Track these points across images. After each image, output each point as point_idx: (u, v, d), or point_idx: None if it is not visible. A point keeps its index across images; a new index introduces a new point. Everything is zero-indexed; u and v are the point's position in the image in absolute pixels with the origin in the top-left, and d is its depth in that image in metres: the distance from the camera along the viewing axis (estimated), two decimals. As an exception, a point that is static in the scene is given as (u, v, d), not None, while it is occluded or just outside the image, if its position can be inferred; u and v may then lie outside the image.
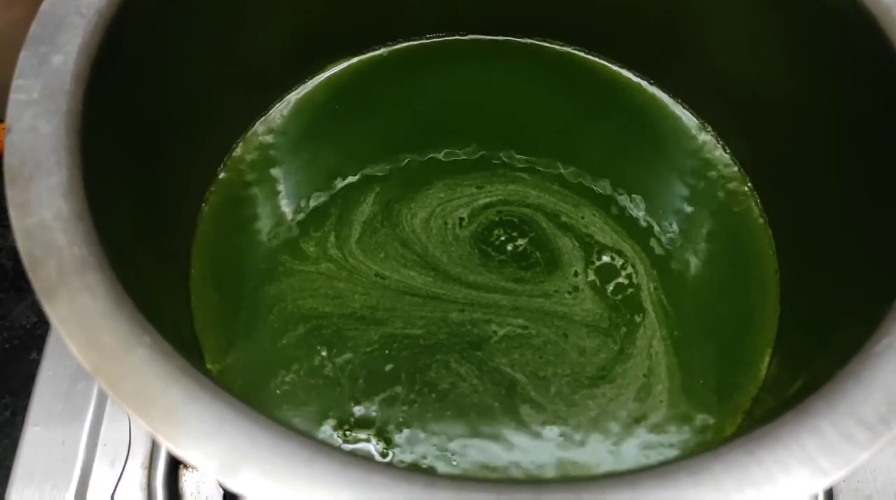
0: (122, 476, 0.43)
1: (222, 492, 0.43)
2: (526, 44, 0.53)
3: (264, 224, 0.45)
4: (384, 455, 0.39)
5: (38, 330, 0.55)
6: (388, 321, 0.42)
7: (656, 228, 0.46)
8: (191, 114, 0.43)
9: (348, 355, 0.42)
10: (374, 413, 0.40)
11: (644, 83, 0.52)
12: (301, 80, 0.51)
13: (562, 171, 0.48)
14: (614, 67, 0.52)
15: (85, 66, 0.32)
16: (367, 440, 0.40)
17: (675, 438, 0.40)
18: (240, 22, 0.44)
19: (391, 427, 0.40)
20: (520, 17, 0.52)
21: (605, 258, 0.45)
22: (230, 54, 0.45)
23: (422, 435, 0.40)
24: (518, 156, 0.48)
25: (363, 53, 0.52)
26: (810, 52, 0.41)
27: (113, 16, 0.33)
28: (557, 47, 0.53)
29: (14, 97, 0.30)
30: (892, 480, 0.43)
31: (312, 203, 0.46)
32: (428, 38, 0.53)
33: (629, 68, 0.52)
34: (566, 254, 0.45)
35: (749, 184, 0.48)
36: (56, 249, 0.27)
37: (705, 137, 0.50)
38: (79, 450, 0.43)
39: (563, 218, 0.46)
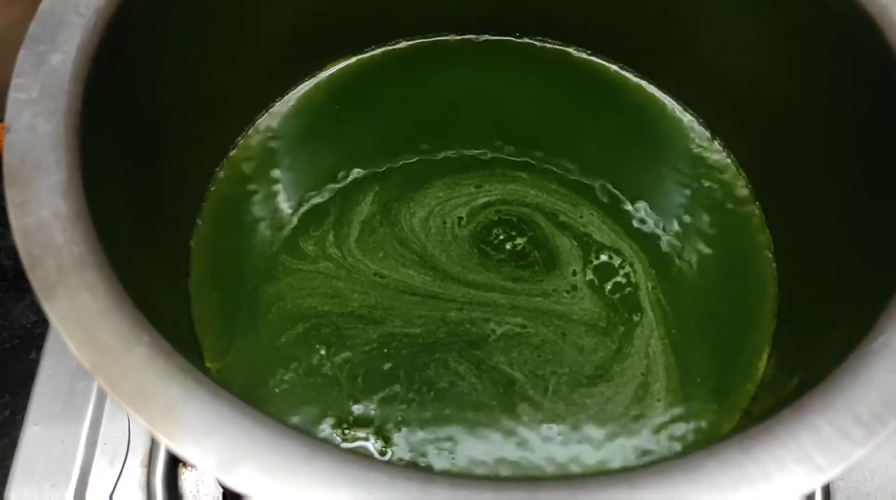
0: (122, 475, 0.43)
1: (222, 491, 0.43)
2: (525, 43, 0.53)
3: (263, 223, 0.46)
4: (383, 454, 0.39)
5: (37, 329, 0.55)
6: (387, 320, 0.42)
7: (655, 227, 0.46)
8: (190, 113, 0.43)
9: (347, 354, 0.42)
10: (372, 412, 0.40)
11: (643, 83, 0.52)
12: (300, 80, 0.51)
13: (561, 170, 0.48)
14: (614, 67, 0.52)
15: (84, 66, 0.32)
16: (366, 439, 0.40)
17: (673, 436, 0.40)
18: (239, 22, 0.44)
19: (390, 426, 0.40)
20: (519, 16, 0.52)
21: (604, 257, 0.45)
22: (230, 54, 0.45)
23: (420, 434, 0.40)
24: (517, 155, 0.48)
25: (363, 53, 0.52)
26: (810, 52, 0.41)
27: (112, 15, 0.33)
28: (557, 47, 0.53)
29: (13, 96, 0.30)
30: (890, 478, 0.43)
31: (311, 202, 0.46)
32: (428, 38, 0.53)
33: (629, 68, 0.52)
34: (564, 253, 0.45)
35: (748, 183, 0.48)
36: (55, 248, 0.27)
37: (704, 137, 0.50)
38: (78, 449, 0.43)
39: (562, 217, 0.46)
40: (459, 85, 0.52)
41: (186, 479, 0.43)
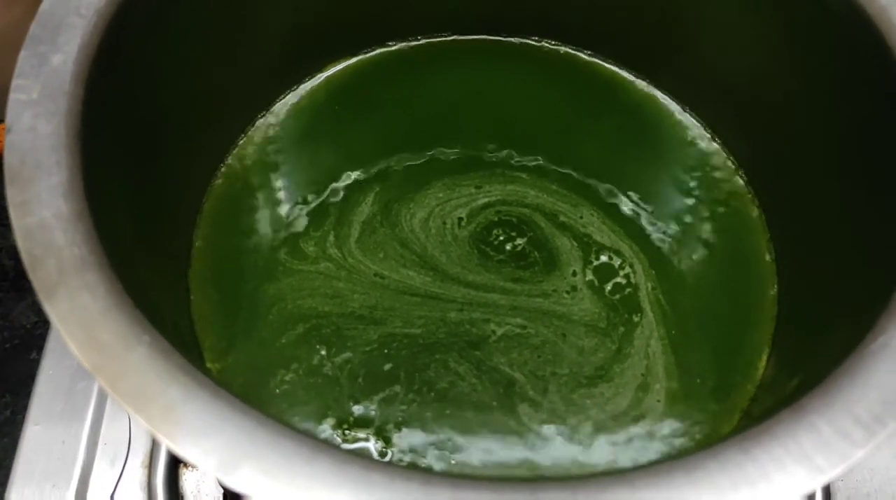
0: (123, 475, 0.43)
1: (222, 491, 0.43)
2: (525, 44, 0.53)
3: (264, 224, 0.46)
4: (383, 454, 0.39)
5: (38, 330, 0.55)
6: (388, 321, 0.43)
7: (655, 227, 0.46)
8: (190, 114, 0.43)
9: (347, 355, 0.42)
10: (373, 412, 0.40)
11: (643, 83, 0.52)
12: (300, 80, 0.51)
13: (560, 171, 0.48)
14: (613, 67, 0.52)
15: (84, 67, 0.32)
16: (366, 439, 0.40)
17: (673, 437, 0.40)
18: (239, 22, 0.44)
19: (390, 426, 0.40)
20: (519, 16, 0.52)
21: (604, 258, 0.45)
22: (230, 54, 0.45)
23: (420, 434, 0.40)
24: (517, 156, 0.48)
25: (363, 53, 0.52)
26: (810, 52, 0.41)
27: (112, 16, 0.33)
28: (557, 47, 0.53)
29: (14, 97, 0.30)
30: (890, 479, 0.43)
31: (312, 203, 0.46)
32: (427, 39, 0.53)
33: (628, 68, 0.52)
34: (564, 254, 0.45)
35: (748, 184, 0.48)
36: (56, 248, 0.27)
37: (704, 137, 0.50)
38: (79, 449, 0.43)
39: (562, 218, 0.46)
40: (459, 85, 0.52)
41: (187, 479, 0.44)
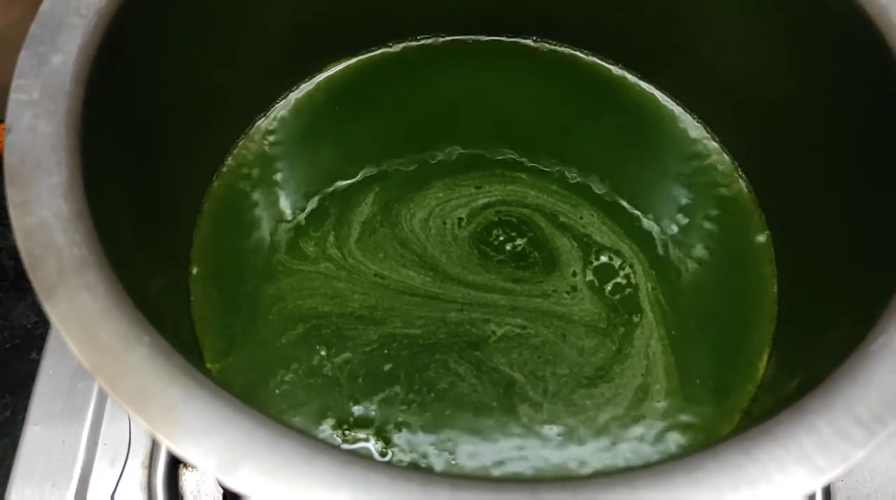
0: (123, 476, 0.43)
1: (222, 491, 0.43)
2: (525, 44, 0.53)
3: (264, 224, 0.46)
4: (383, 455, 0.39)
5: (38, 330, 0.55)
6: (387, 321, 0.43)
7: (655, 228, 0.46)
8: (190, 114, 0.43)
9: (347, 355, 0.42)
10: (373, 413, 0.40)
11: (643, 83, 0.52)
12: (300, 80, 0.51)
13: (560, 171, 0.48)
14: (613, 67, 0.52)
15: (85, 67, 0.32)
16: (366, 440, 0.40)
17: (673, 437, 0.40)
18: (239, 22, 0.44)
19: (390, 427, 0.40)
20: (519, 17, 0.52)
21: (604, 258, 0.45)
22: (230, 54, 0.45)
23: (421, 435, 0.40)
24: (517, 156, 0.48)
25: (363, 53, 0.52)
26: (810, 52, 0.41)
27: (112, 16, 0.33)
28: (556, 47, 0.53)
29: (14, 97, 0.30)
30: (890, 479, 0.43)
31: (312, 203, 0.46)
32: (427, 39, 0.53)
33: (628, 68, 0.52)
34: (564, 254, 0.45)
35: (747, 184, 0.48)
36: (56, 248, 0.27)
37: (704, 137, 0.50)
38: (79, 449, 0.43)
39: (562, 218, 0.46)
40: (459, 85, 0.52)
41: (187, 480, 0.44)
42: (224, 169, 0.48)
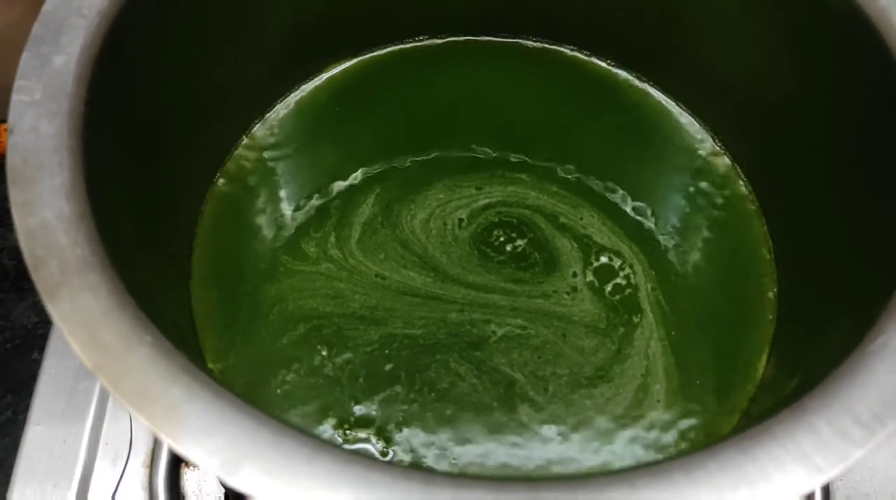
0: (124, 475, 0.43)
1: (223, 491, 0.43)
2: (525, 44, 0.53)
3: (265, 225, 0.46)
4: (384, 454, 0.39)
5: (39, 330, 0.55)
6: (388, 321, 0.43)
7: (654, 228, 0.46)
8: (191, 114, 0.43)
9: (348, 355, 0.42)
10: (374, 412, 0.40)
11: (643, 84, 0.52)
12: (301, 81, 0.51)
13: (561, 172, 0.48)
14: (614, 68, 0.52)
15: (87, 68, 0.32)
16: (367, 440, 0.40)
17: (673, 437, 0.40)
18: (240, 22, 0.44)
19: (391, 426, 0.40)
20: (519, 17, 0.52)
21: (604, 259, 0.45)
22: (231, 55, 0.45)
23: (421, 434, 0.40)
24: (517, 157, 0.48)
25: (363, 54, 0.52)
26: (810, 52, 0.41)
27: (114, 17, 0.33)
28: (556, 48, 0.53)
29: (16, 98, 0.30)
30: (890, 479, 0.43)
31: (313, 204, 0.46)
32: (427, 40, 0.53)
33: (628, 69, 0.52)
34: (565, 255, 0.45)
35: (747, 184, 0.48)
36: (58, 249, 0.28)
37: (704, 138, 0.50)
38: (80, 449, 0.43)
39: (562, 219, 0.46)
40: (459, 86, 0.52)
41: (189, 479, 0.44)
42: (225, 169, 0.48)
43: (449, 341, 0.42)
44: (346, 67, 0.52)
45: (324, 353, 0.42)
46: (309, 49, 0.50)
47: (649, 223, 0.46)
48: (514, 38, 0.53)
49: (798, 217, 0.45)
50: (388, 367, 0.41)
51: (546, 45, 0.53)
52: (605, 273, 0.44)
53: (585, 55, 0.53)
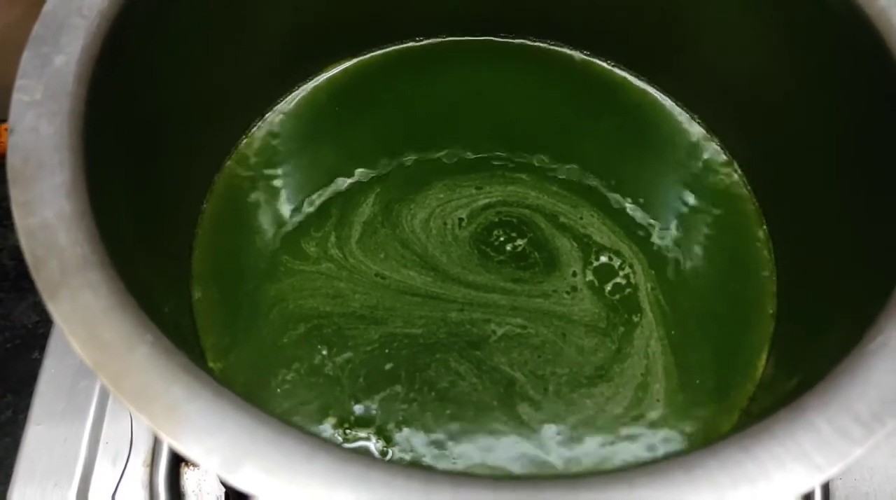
0: (124, 474, 0.43)
1: (224, 490, 0.43)
2: (525, 45, 0.53)
3: (265, 224, 0.46)
4: (384, 454, 0.40)
5: (39, 329, 0.55)
6: (388, 321, 0.43)
7: (654, 228, 0.46)
8: (191, 114, 0.43)
9: (348, 354, 0.42)
10: (374, 412, 0.41)
11: (643, 84, 0.52)
12: (301, 81, 0.51)
13: (561, 171, 0.48)
14: (614, 68, 0.52)
15: (87, 67, 0.32)
16: (367, 439, 0.40)
17: (672, 436, 0.40)
18: (240, 22, 0.44)
19: (391, 426, 0.40)
20: (519, 17, 0.52)
21: (604, 259, 0.45)
22: (231, 55, 0.45)
23: (421, 433, 0.40)
24: (517, 156, 0.48)
25: (363, 54, 0.52)
26: (810, 52, 0.41)
27: (114, 17, 0.33)
28: (556, 48, 0.53)
29: (17, 97, 0.30)
30: (889, 478, 0.43)
31: (313, 203, 0.46)
32: (427, 40, 0.53)
33: (628, 69, 0.52)
34: (565, 254, 0.45)
35: (747, 183, 0.48)
36: (58, 248, 0.28)
37: (704, 137, 0.50)
38: (81, 448, 0.43)
39: (562, 219, 0.46)
40: (459, 86, 0.52)
41: (189, 478, 0.44)
42: (225, 169, 0.48)
43: (449, 340, 0.42)
44: (346, 67, 0.52)
45: (324, 352, 0.42)
46: (309, 49, 0.50)
47: (649, 223, 0.46)
48: (514, 38, 0.53)
49: (798, 217, 0.45)
50: (388, 366, 0.42)
51: (546, 45, 0.53)
52: (605, 273, 0.44)
53: (585, 55, 0.53)
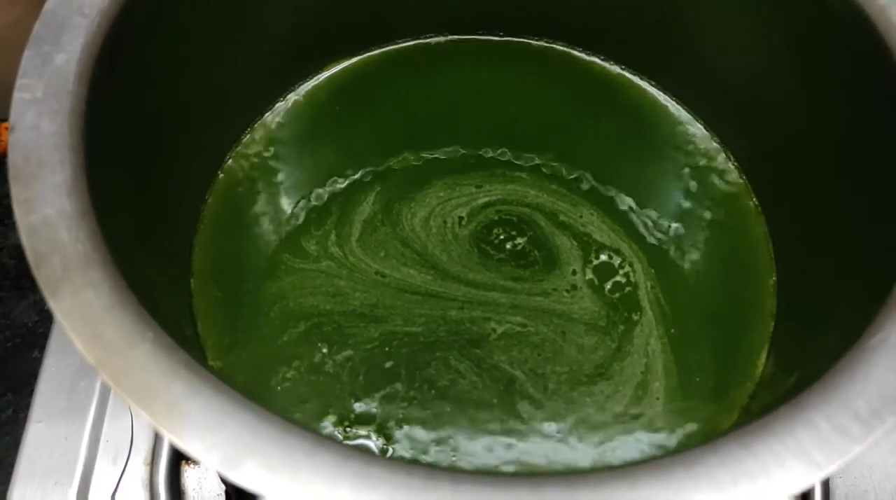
0: (125, 473, 0.43)
1: (224, 488, 0.43)
2: (525, 44, 0.53)
3: (265, 223, 0.46)
4: (384, 451, 0.40)
5: (39, 329, 0.55)
6: (388, 319, 0.43)
7: (654, 226, 0.46)
8: (192, 112, 0.43)
9: (349, 352, 0.42)
10: (374, 410, 0.41)
11: (643, 83, 0.52)
12: (301, 80, 0.51)
13: (560, 170, 0.48)
14: (614, 67, 0.52)
15: (88, 66, 0.32)
16: (367, 437, 0.40)
17: (672, 435, 0.40)
18: (239, 22, 0.44)
19: (391, 424, 0.40)
20: (519, 16, 0.52)
21: (603, 257, 0.45)
22: (231, 55, 0.45)
23: (421, 431, 0.40)
24: (517, 155, 0.48)
25: (363, 53, 0.52)
26: (810, 52, 0.41)
27: (115, 16, 0.33)
28: (557, 47, 0.53)
29: (18, 96, 0.30)
30: (889, 475, 0.43)
31: (313, 202, 0.46)
32: (427, 38, 0.53)
33: (628, 68, 0.52)
34: (564, 253, 0.45)
35: (747, 183, 0.48)
36: (60, 245, 0.28)
37: (704, 137, 0.50)
38: (81, 447, 0.43)
39: (562, 217, 0.46)
40: (459, 85, 0.52)
41: (189, 477, 0.44)
42: (225, 168, 0.48)
43: (449, 338, 0.42)
44: (346, 66, 0.52)
45: (324, 350, 0.42)
46: (309, 49, 0.51)
47: (649, 221, 0.46)
48: (514, 38, 0.53)
49: (798, 217, 0.45)
50: (388, 364, 0.42)
51: (546, 45, 0.53)
52: (605, 271, 0.45)
53: (586, 55, 0.53)
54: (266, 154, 0.48)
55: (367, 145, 0.49)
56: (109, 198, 0.32)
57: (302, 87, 0.51)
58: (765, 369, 0.42)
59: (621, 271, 0.45)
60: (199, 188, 0.47)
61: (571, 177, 0.48)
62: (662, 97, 0.51)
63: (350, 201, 0.46)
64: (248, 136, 0.49)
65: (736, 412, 0.41)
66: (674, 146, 0.50)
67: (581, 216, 0.46)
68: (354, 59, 0.52)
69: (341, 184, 0.47)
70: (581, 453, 0.40)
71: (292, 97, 0.51)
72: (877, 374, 0.27)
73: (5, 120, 0.30)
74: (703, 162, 0.49)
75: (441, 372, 0.41)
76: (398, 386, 0.41)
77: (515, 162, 0.48)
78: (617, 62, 0.52)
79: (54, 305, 0.27)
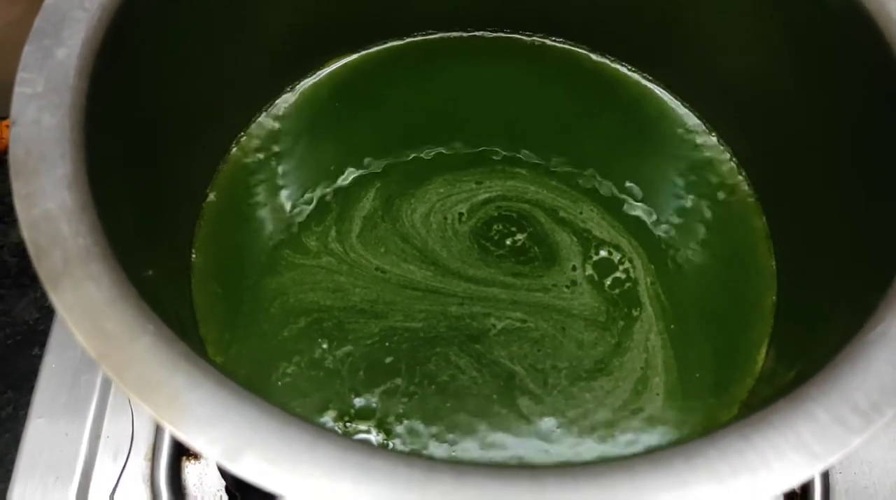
0: (125, 469, 0.43)
1: (224, 484, 0.43)
2: (526, 41, 0.53)
3: (266, 219, 0.46)
4: (384, 446, 0.40)
5: (40, 326, 0.55)
6: (389, 314, 0.43)
7: (654, 223, 0.46)
8: (192, 109, 0.43)
9: (349, 348, 0.42)
10: (374, 405, 0.41)
11: (644, 81, 0.52)
12: (302, 77, 0.51)
13: (560, 167, 0.48)
14: (614, 65, 0.53)
15: (88, 61, 0.32)
16: (368, 431, 0.40)
17: (672, 431, 0.40)
18: (240, 19, 0.44)
19: (391, 419, 0.40)
20: (520, 14, 0.52)
21: (603, 253, 0.45)
22: (232, 50, 0.45)
23: (421, 426, 0.40)
24: (517, 152, 0.48)
25: (364, 50, 0.52)
26: (810, 52, 0.41)
27: (116, 11, 0.33)
28: (557, 44, 0.53)
29: (19, 90, 0.30)
30: (889, 471, 0.43)
31: (313, 198, 0.46)
32: (427, 35, 0.53)
33: (629, 65, 0.52)
34: (564, 249, 0.45)
35: (747, 181, 0.48)
36: (61, 239, 0.28)
37: (704, 135, 0.50)
38: (82, 443, 0.43)
39: (562, 213, 0.46)
40: (460, 82, 0.52)
41: (190, 472, 0.44)
42: (225, 164, 0.48)
43: (449, 334, 0.42)
44: (347, 63, 0.52)
45: (324, 346, 0.42)
46: (309, 48, 0.51)
47: (649, 218, 0.46)
48: (514, 35, 0.53)
49: (798, 216, 0.45)
50: (388, 360, 0.42)
51: (547, 42, 0.53)
52: (605, 267, 0.45)
53: (587, 52, 0.53)
54: (267, 150, 0.48)
55: (368, 142, 0.49)
56: (110, 192, 0.32)
57: (303, 84, 0.51)
58: (764, 365, 0.42)
59: (621, 267, 0.45)
60: (200, 183, 0.47)
61: (571, 173, 0.48)
62: (663, 95, 0.51)
63: (350, 198, 0.46)
64: (248, 132, 0.49)
65: (736, 408, 0.41)
66: (674, 143, 0.50)
67: (581, 212, 0.46)
68: (355, 56, 0.52)
69: (341, 180, 0.47)
70: (580, 448, 0.40)
71: (293, 94, 0.51)
72: (876, 366, 0.27)
73: (6, 118, 0.30)
74: (703, 158, 0.49)
75: (441, 367, 0.41)
76: (398, 381, 0.41)
77: (515, 158, 0.48)
78: (618, 60, 0.52)
79: (55, 298, 0.27)
